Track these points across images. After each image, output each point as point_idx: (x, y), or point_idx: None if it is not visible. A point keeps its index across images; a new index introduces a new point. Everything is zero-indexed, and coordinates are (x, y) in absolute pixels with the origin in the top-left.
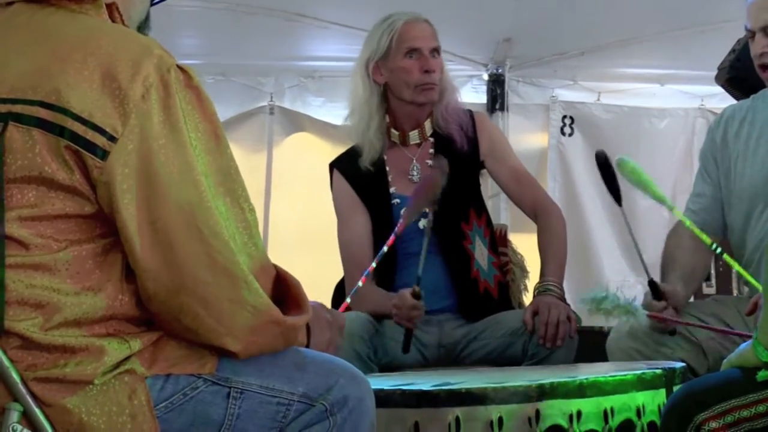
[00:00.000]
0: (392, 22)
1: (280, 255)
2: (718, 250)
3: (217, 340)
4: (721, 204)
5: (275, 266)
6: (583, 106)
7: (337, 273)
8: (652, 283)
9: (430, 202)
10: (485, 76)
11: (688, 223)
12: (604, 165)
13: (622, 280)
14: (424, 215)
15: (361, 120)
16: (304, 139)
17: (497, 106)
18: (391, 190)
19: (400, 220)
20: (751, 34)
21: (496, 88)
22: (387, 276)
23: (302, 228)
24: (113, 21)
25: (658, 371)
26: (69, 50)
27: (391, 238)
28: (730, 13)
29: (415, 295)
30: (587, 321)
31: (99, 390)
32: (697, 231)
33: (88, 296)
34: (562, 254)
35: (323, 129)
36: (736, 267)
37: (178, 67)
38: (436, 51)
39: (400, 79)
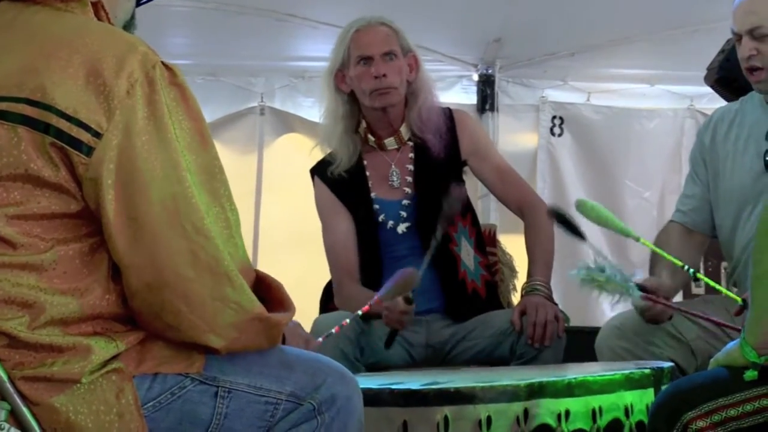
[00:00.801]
0: (347, 32)
1: (271, 256)
2: (691, 271)
3: (199, 337)
4: (710, 205)
5: (256, 270)
6: (572, 106)
7: (328, 274)
8: (638, 286)
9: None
10: (475, 77)
11: (664, 254)
12: (561, 219)
13: None
14: (402, 220)
15: (326, 128)
16: (295, 140)
17: (487, 107)
18: (372, 195)
19: (375, 297)
20: (738, 37)
21: (486, 88)
22: (373, 280)
23: (293, 229)
24: (99, 19)
25: (647, 371)
26: (54, 48)
27: (365, 307)
28: (720, 14)
29: (407, 301)
30: (576, 319)
31: (86, 389)
32: (669, 257)
33: (75, 295)
34: (549, 253)
35: (314, 129)
36: (713, 284)
37: (163, 64)
38: (390, 54)
39: (358, 87)
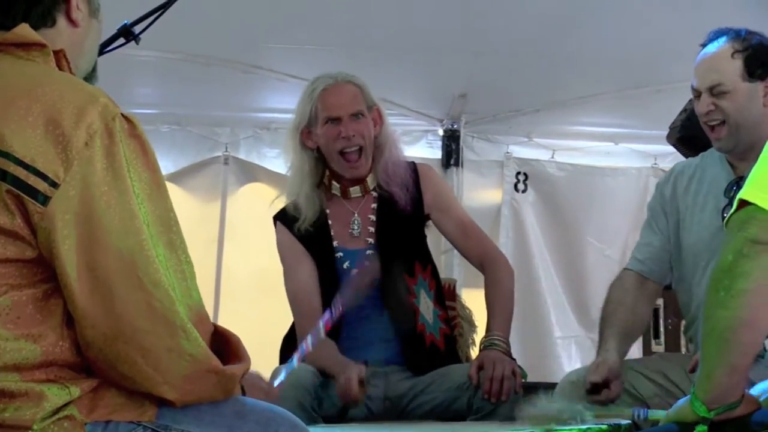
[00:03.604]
0: (313, 90)
1: (232, 304)
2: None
3: (153, 389)
4: (668, 255)
5: (213, 323)
6: (537, 163)
7: (289, 323)
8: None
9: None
10: (440, 132)
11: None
12: None
13: (572, 336)
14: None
15: (293, 184)
16: (258, 190)
17: (452, 162)
18: (334, 243)
19: (338, 306)
20: (697, 93)
21: (451, 143)
22: (333, 329)
23: (255, 277)
24: (61, 69)
25: (604, 427)
26: (14, 96)
27: (327, 323)
28: (683, 74)
29: (361, 383)
30: (534, 374)
31: None
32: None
33: (28, 341)
34: (509, 308)
35: (277, 180)
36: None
37: (123, 116)
38: (358, 114)
39: (325, 147)
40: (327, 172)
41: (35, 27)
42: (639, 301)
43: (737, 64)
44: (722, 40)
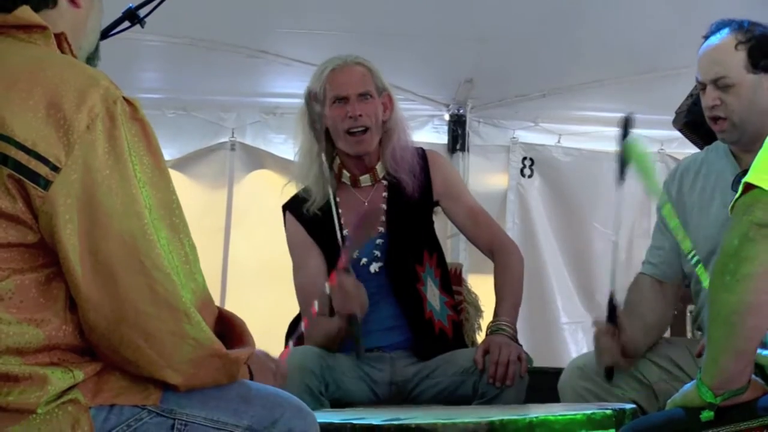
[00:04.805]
0: (322, 71)
1: (240, 291)
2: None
3: (157, 373)
4: (679, 255)
5: (218, 307)
6: (543, 148)
7: (296, 310)
8: (611, 301)
9: (368, 234)
10: (446, 117)
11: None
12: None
13: (579, 322)
14: (376, 259)
15: (302, 167)
16: (265, 176)
17: (458, 147)
18: (344, 232)
19: (342, 256)
20: (702, 86)
21: (457, 128)
22: None
23: (262, 264)
24: (62, 51)
25: (608, 412)
26: (15, 79)
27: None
28: (690, 59)
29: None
30: (540, 360)
31: (42, 419)
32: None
33: (32, 325)
34: (517, 294)
35: (284, 166)
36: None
37: (125, 99)
38: (366, 95)
39: (333, 127)
40: (337, 161)
41: (36, 8)
42: (658, 303)
43: (741, 55)
44: (725, 31)
